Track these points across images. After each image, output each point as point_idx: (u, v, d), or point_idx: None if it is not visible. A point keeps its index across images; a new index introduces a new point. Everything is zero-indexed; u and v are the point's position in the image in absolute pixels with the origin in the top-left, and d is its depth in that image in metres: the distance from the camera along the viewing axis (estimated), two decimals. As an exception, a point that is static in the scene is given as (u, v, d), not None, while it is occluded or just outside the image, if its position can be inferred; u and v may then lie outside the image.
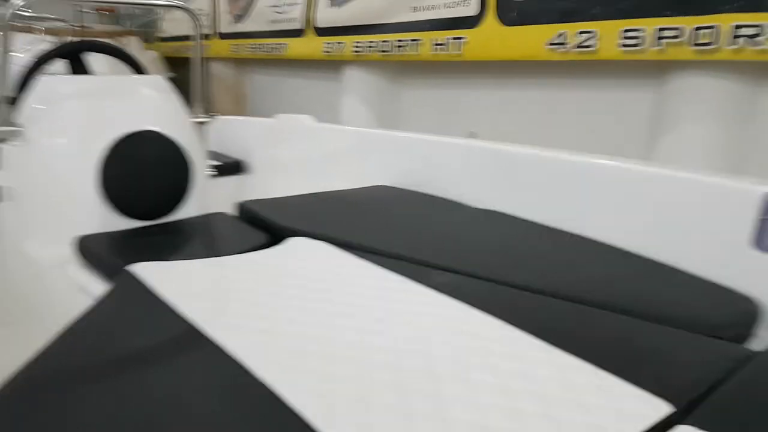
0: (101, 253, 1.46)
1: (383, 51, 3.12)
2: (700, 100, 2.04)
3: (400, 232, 1.52)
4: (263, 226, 1.57)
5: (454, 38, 2.74)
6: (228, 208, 1.74)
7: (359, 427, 0.76)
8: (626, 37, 2.12)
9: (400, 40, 3.02)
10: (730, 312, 1.12)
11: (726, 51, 1.88)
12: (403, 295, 1.13)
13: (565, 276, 1.26)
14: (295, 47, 3.76)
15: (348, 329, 0.99)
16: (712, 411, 0.81)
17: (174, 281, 1.14)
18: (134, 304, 1.08)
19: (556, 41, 2.34)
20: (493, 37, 2.57)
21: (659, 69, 2.15)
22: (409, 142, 2.04)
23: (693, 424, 0.77)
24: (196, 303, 1.05)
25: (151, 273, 1.16)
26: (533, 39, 2.41)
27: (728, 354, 0.98)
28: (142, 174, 1.71)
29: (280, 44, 3.87)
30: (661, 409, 0.81)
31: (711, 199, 1.29)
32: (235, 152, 2.65)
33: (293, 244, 1.41)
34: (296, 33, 3.72)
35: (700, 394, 0.85)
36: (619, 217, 1.46)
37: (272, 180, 2.46)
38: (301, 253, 1.35)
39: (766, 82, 1.93)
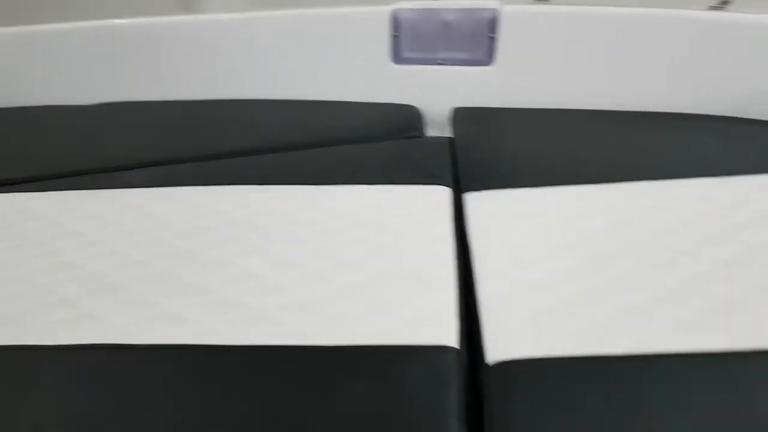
0: None
1: None
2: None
3: (22, 152, 1.16)
4: None
5: None
6: None
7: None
8: None
9: None
10: (405, 117, 1.29)
11: None
12: (108, 206, 0.90)
13: (252, 134, 1.21)
14: None
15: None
16: (468, 178, 0.96)
17: None
18: None
19: None
20: None
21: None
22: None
23: (471, 191, 0.90)
24: None
25: None
26: None
27: (436, 142, 1.15)
28: None
29: None
30: (444, 191, 0.91)
31: (349, 27, 1.39)
32: None
33: None
34: None
35: (451, 173, 0.99)
36: (261, 68, 1.44)
37: None
38: None
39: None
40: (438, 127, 1.34)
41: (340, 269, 0.70)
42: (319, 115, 1.31)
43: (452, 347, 0.57)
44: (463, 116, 1.28)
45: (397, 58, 1.37)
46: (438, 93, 1.36)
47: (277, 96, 1.43)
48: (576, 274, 0.67)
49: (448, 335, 0.59)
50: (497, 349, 0.57)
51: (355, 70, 1.40)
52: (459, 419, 0.50)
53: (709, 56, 1.20)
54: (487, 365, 0.56)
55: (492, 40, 1.31)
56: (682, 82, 1.23)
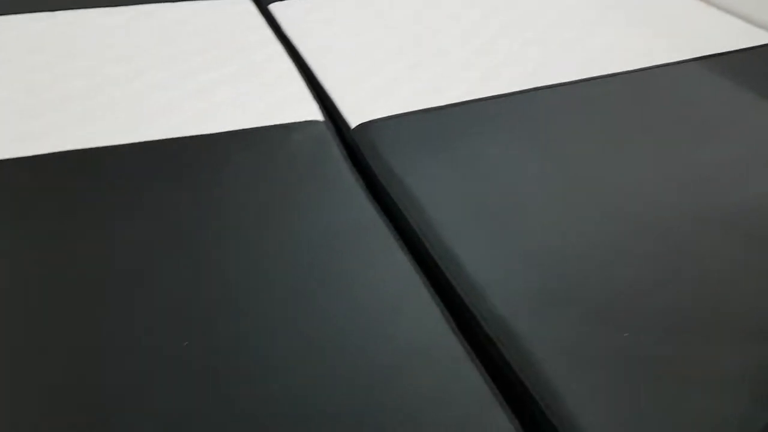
0: None
1: None
2: None
3: None
4: None
5: None
6: None
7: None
8: None
9: None
10: None
11: None
12: None
13: None
14: None
15: None
16: None
17: None
18: None
19: None
20: None
21: None
22: None
23: (274, 2, 0.97)
24: None
25: None
26: None
27: None
28: None
29: None
30: (247, 3, 0.97)
31: None
32: None
33: None
34: None
35: None
36: None
37: None
38: None
39: None
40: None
41: (191, 76, 0.74)
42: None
43: (319, 120, 0.69)
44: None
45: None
46: None
47: None
48: (394, 55, 0.83)
49: (312, 112, 0.71)
50: (354, 116, 0.71)
51: None
52: (348, 165, 0.63)
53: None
54: (351, 129, 0.69)
55: None
56: None
